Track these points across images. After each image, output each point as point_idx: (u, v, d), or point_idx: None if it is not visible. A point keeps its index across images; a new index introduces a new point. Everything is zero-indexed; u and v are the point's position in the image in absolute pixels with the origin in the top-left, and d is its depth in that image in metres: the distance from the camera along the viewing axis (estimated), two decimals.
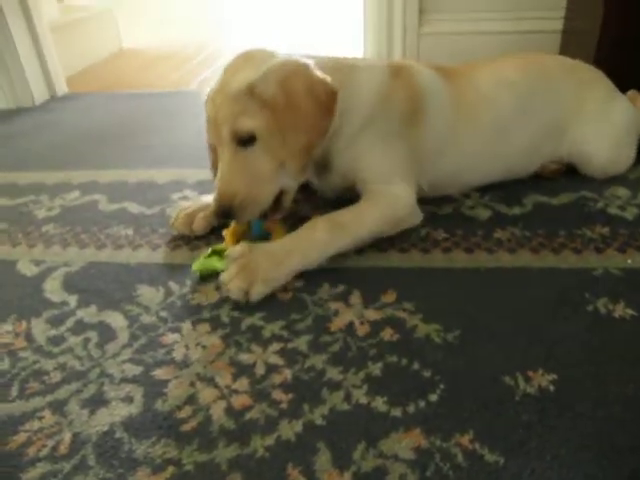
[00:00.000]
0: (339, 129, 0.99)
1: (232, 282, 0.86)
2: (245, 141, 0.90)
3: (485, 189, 1.17)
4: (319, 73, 0.92)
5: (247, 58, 0.95)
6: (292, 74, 0.90)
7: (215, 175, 0.98)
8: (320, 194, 1.11)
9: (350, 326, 0.81)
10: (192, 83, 2.23)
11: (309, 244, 0.91)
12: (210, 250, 0.97)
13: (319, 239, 0.91)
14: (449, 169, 1.10)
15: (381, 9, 1.80)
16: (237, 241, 0.97)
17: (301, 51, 1.00)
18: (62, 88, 2.15)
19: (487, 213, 1.09)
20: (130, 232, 1.11)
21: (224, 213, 0.90)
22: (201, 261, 0.95)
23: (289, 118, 0.88)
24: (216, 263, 0.93)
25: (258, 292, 0.86)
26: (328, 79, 0.92)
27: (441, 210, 1.11)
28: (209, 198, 1.06)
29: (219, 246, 0.98)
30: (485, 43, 1.80)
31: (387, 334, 0.79)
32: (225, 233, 0.98)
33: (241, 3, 4.38)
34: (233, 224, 0.99)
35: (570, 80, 1.17)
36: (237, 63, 0.95)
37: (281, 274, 0.89)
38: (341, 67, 1.00)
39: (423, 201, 1.06)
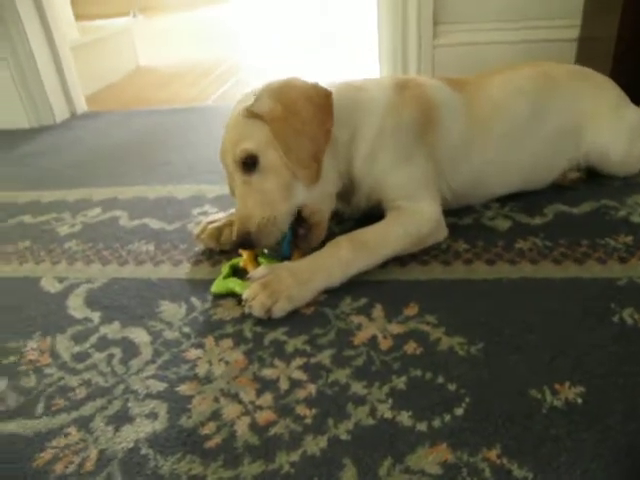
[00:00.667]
0: (354, 148, 1.00)
1: (255, 299, 0.86)
2: (249, 166, 0.91)
3: (505, 199, 1.16)
4: (310, 80, 0.95)
5: (241, 100, 0.98)
6: (284, 86, 0.94)
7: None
8: (347, 216, 1.11)
9: (373, 340, 0.81)
10: (209, 99, 2.26)
11: (333, 263, 0.91)
12: (228, 266, 0.97)
13: (343, 258, 0.91)
14: (467, 178, 1.10)
15: (396, 22, 1.80)
16: (255, 257, 0.97)
17: (311, 72, 1.02)
18: (82, 106, 2.19)
19: (507, 223, 1.08)
20: (151, 248, 1.12)
21: (244, 241, 0.89)
22: (220, 283, 0.95)
23: (291, 126, 0.90)
24: (235, 286, 0.93)
25: (281, 308, 0.87)
26: (319, 83, 0.95)
27: (461, 221, 1.10)
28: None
29: (236, 260, 0.98)
30: (500, 53, 1.80)
31: (410, 348, 0.79)
32: (242, 250, 0.99)
33: (256, 19, 4.43)
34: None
35: (582, 85, 1.18)
36: (233, 110, 0.98)
37: (305, 293, 0.89)
38: (347, 88, 1.03)
39: (444, 212, 1.05)
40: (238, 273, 0.97)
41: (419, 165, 1.02)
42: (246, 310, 0.87)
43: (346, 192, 1.04)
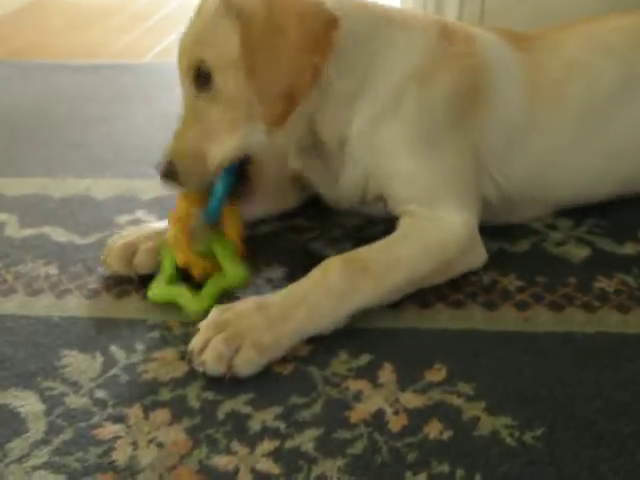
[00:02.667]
0: (358, 100, 1.04)
1: (208, 347, 0.87)
2: (202, 80, 1.00)
3: (581, 215, 1.18)
4: None
5: None
6: None
7: None
8: (331, 204, 1.14)
9: (379, 416, 0.82)
10: (146, 54, 2.27)
11: (320, 295, 0.93)
12: (169, 258, 1.01)
13: (334, 288, 0.93)
14: (525, 173, 1.12)
15: None
16: (182, 228, 1.00)
17: None
18: None
19: (584, 252, 1.10)
20: (53, 271, 1.12)
21: (166, 171, 1.02)
22: (162, 288, 0.99)
23: (268, 44, 0.96)
24: (183, 299, 0.97)
25: (248, 360, 0.87)
26: (327, 4, 0.98)
27: (514, 246, 1.12)
28: (161, 225, 1.10)
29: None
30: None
31: (434, 430, 0.80)
32: (169, 216, 1.03)
33: None
34: (179, 207, 1.03)
35: None
36: None
37: (280, 338, 0.90)
38: (369, 14, 1.06)
39: (486, 231, 1.07)
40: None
41: (449, 156, 1.05)
42: (196, 366, 0.88)
43: (332, 161, 1.08)
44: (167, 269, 1.00)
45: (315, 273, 0.95)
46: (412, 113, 1.04)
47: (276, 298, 0.93)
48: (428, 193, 1.03)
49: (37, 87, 1.95)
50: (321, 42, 0.96)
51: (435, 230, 1.01)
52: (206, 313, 0.92)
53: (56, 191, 1.38)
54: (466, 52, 1.08)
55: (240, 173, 1.04)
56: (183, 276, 1.01)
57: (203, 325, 0.90)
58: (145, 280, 1.05)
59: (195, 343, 0.88)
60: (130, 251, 1.06)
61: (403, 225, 1.02)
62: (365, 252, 0.98)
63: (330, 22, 0.97)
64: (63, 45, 2.37)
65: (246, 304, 0.91)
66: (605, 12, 1.33)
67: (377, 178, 1.05)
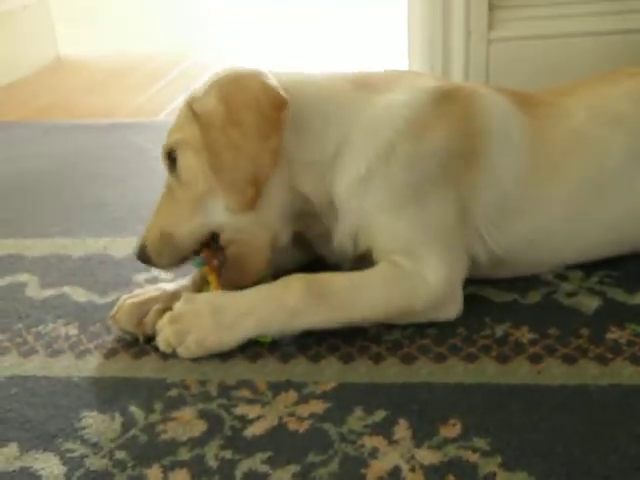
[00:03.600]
0: (338, 162, 1.07)
1: (161, 333, 1.02)
2: (171, 163, 1.08)
3: (591, 266, 1.18)
4: (271, 81, 1.03)
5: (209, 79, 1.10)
6: (234, 84, 1.06)
7: None
8: (330, 261, 1.17)
9: (395, 473, 0.82)
10: (161, 111, 2.30)
11: (273, 309, 1.00)
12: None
13: (288, 306, 0.99)
14: (519, 240, 1.12)
15: (434, 6, 1.85)
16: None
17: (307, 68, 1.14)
18: None
19: (595, 302, 1.10)
20: (73, 331, 1.14)
21: (140, 255, 1.11)
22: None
23: (228, 137, 1.02)
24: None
25: (187, 352, 1.01)
26: (279, 88, 1.03)
27: (525, 298, 1.13)
28: (173, 286, 1.13)
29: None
30: (584, 50, 1.83)
31: None
32: (206, 272, 1.09)
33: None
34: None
35: None
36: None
37: (227, 340, 1.02)
38: (346, 86, 1.11)
39: (497, 284, 1.07)
40: None
41: (435, 212, 1.06)
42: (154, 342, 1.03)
43: (326, 229, 1.10)
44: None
45: (276, 286, 1.02)
46: (401, 169, 1.05)
47: (232, 302, 1.02)
48: (410, 247, 1.05)
49: (56, 147, 1.99)
50: (272, 125, 1.01)
51: (407, 281, 1.03)
52: None
53: (75, 251, 1.40)
54: (463, 114, 1.10)
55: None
56: None
57: (167, 314, 1.02)
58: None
59: (158, 325, 1.03)
60: (142, 310, 1.08)
61: (378, 267, 1.05)
62: (330, 278, 1.03)
63: (280, 104, 1.02)
64: (81, 105, 2.41)
65: (204, 304, 1.02)
66: (607, 67, 1.34)
67: (366, 234, 1.08)
